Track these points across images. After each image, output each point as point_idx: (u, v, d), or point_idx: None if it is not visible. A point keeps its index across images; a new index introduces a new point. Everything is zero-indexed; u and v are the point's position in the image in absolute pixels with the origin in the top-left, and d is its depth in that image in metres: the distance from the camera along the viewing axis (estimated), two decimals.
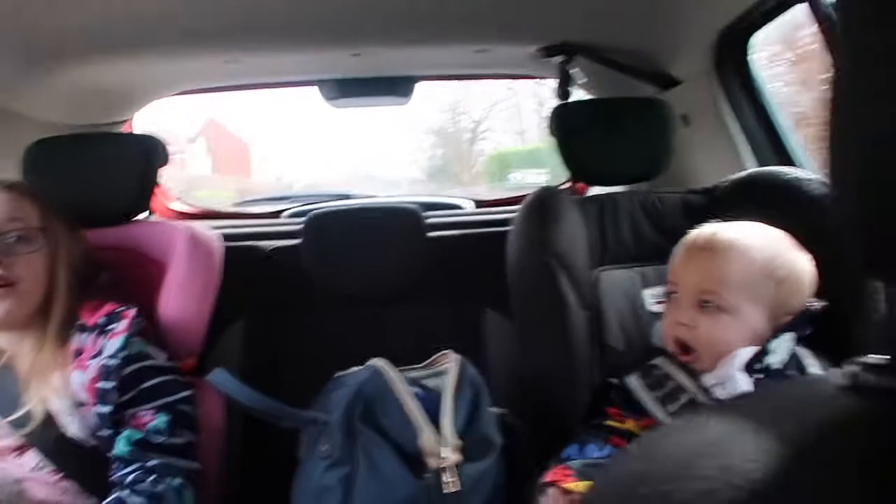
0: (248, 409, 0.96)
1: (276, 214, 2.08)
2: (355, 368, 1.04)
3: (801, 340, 0.88)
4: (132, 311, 0.99)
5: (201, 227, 1.20)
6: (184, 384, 1.00)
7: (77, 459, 0.95)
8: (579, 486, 0.84)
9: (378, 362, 1.02)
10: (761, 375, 0.84)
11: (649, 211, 1.20)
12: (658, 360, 0.93)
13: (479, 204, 2.16)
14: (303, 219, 1.52)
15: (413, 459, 0.92)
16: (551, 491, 0.86)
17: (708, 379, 0.87)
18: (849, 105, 0.32)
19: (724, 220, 0.94)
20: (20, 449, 0.94)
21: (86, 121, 1.61)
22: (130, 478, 0.91)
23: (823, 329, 0.89)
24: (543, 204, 1.15)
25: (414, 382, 1.00)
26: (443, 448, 0.92)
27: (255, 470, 1.25)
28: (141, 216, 1.26)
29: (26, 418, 0.93)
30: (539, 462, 0.94)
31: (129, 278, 1.11)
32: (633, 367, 0.95)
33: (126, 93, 1.70)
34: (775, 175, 1.08)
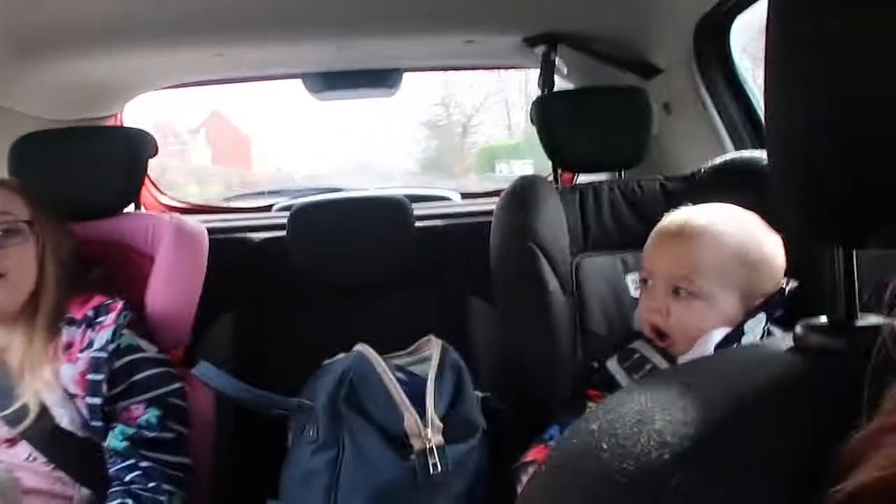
0: (235, 399, 0.97)
1: (268, 208, 2.09)
2: (341, 355, 1.06)
3: (774, 321, 0.89)
4: (119, 304, 1.00)
5: (188, 219, 1.21)
6: (175, 376, 1.02)
7: (70, 450, 0.96)
8: None
9: (362, 348, 1.03)
10: None
11: (630, 198, 1.21)
12: (636, 344, 0.95)
13: (466, 196, 2.18)
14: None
15: (398, 442, 0.94)
16: (532, 469, 0.88)
17: (683, 360, 0.89)
18: (782, 91, 0.33)
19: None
20: (11, 441, 0.95)
21: (73, 115, 1.61)
22: (129, 477, 0.93)
23: (795, 308, 0.90)
24: (524, 192, 1.16)
25: (398, 368, 1.02)
26: (426, 430, 0.94)
27: (246, 461, 1.26)
28: (130, 209, 1.27)
29: (22, 412, 0.94)
30: (523, 444, 0.96)
31: (117, 271, 1.12)
32: (613, 350, 0.97)
33: (112, 87, 1.69)
34: (753, 160, 1.10)
